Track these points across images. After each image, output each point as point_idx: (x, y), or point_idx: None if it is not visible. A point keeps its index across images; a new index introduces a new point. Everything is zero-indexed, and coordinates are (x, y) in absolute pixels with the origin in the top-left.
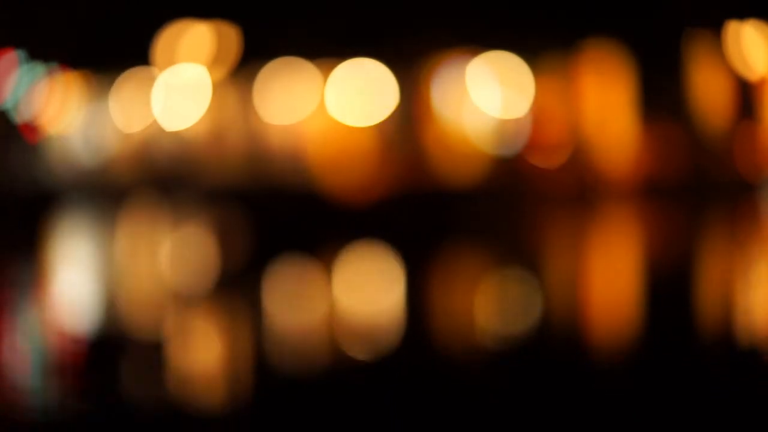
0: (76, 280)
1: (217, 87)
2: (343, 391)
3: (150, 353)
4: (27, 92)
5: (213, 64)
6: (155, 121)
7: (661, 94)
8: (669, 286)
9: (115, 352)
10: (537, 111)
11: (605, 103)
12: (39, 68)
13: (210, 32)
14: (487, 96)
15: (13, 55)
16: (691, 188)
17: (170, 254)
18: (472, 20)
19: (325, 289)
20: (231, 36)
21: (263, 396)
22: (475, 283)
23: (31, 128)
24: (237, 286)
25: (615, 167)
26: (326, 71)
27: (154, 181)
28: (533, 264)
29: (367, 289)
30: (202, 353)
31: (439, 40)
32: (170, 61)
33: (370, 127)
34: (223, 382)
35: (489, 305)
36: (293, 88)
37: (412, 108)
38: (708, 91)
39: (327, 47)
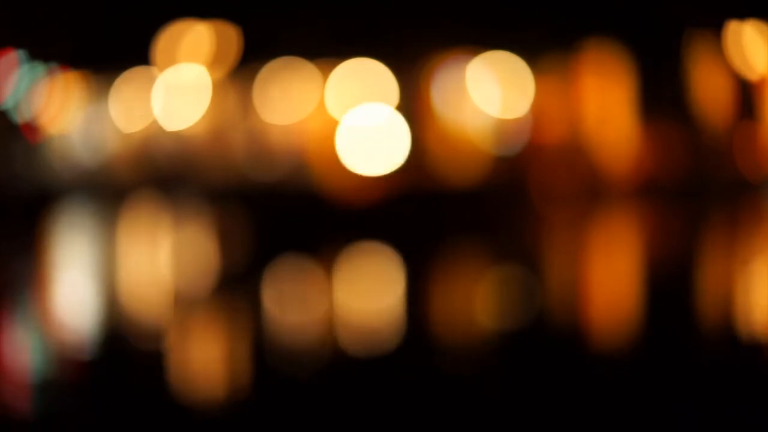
0: (76, 280)
1: (217, 87)
2: (344, 391)
3: (150, 353)
4: (27, 92)
5: (213, 64)
6: (155, 121)
7: (661, 94)
8: (669, 285)
9: (116, 353)
10: (537, 111)
11: (605, 103)
12: (39, 68)
13: (210, 32)
14: (487, 96)
15: (13, 55)
16: (692, 188)
17: (171, 254)
18: (472, 20)
19: (325, 289)
20: (231, 36)
21: (263, 396)
22: (475, 282)
23: (31, 128)
24: (237, 285)
25: (615, 167)
26: (326, 71)
27: (154, 180)
28: (533, 263)
29: (368, 289)
30: (203, 353)
31: (439, 40)
32: (170, 61)
33: None
34: (223, 381)
35: (489, 305)
36: (293, 88)
37: (412, 108)
38: (708, 91)
39: (327, 47)
